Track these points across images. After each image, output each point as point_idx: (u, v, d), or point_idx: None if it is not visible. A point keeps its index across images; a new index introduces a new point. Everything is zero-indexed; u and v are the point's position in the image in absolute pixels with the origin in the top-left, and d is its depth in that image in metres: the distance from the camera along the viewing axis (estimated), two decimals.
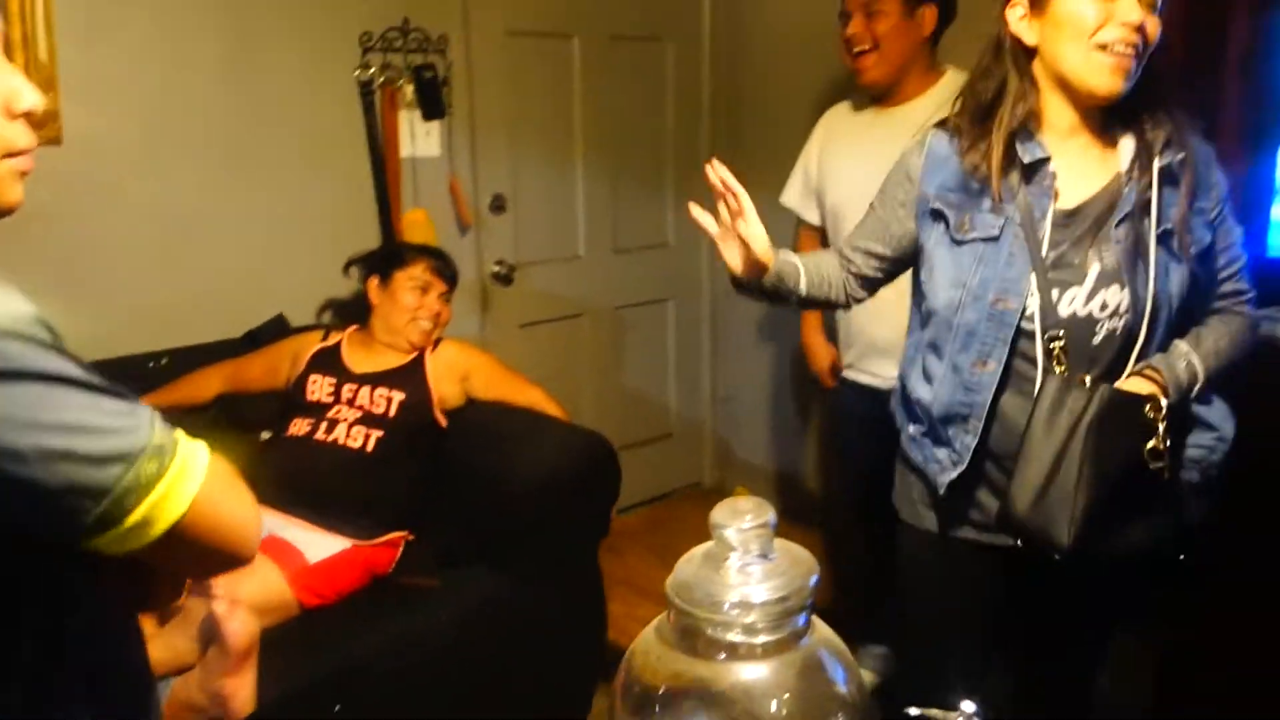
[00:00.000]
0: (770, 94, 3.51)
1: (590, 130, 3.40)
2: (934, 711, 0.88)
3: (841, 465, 2.64)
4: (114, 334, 2.35)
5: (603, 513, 2.38)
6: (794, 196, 2.53)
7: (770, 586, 1.02)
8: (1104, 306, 1.48)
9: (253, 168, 2.70)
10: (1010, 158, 1.48)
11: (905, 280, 2.11)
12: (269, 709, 1.80)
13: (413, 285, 2.43)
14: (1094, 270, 1.47)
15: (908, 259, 1.65)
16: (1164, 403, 1.44)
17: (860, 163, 2.18)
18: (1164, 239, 1.47)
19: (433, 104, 2.91)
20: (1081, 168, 1.51)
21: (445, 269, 2.50)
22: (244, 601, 1.79)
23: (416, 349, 2.42)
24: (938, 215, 1.55)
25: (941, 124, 1.59)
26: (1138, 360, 1.50)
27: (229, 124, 2.64)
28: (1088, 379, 1.46)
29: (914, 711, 0.91)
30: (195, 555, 0.82)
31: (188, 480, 0.79)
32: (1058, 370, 1.47)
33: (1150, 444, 1.44)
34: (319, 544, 2.10)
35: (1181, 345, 1.52)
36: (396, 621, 2.07)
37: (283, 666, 1.85)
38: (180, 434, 0.81)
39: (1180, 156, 1.47)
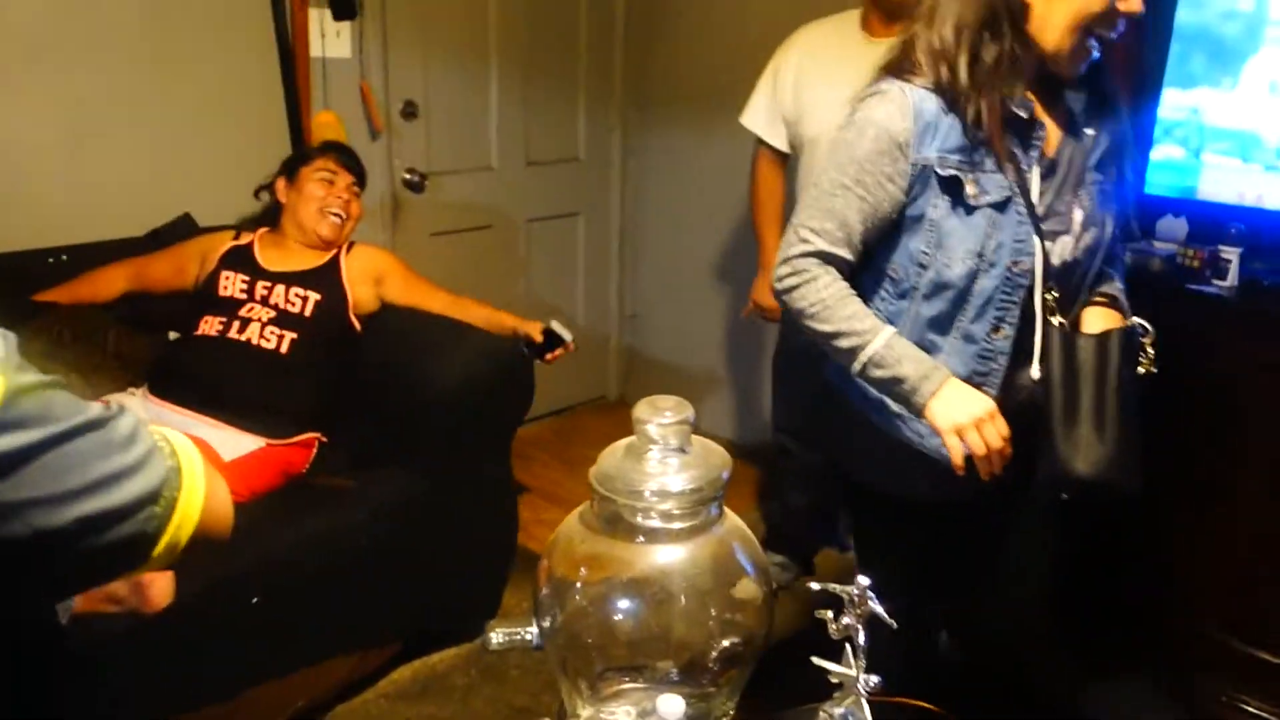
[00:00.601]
0: (686, 8, 3.52)
1: (505, 40, 3.37)
2: (832, 585, 0.98)
3: (776, 393, 2.66)
4: (12, 228, 2.29)
5: (515, 418, 2.44)
6: (759, 120, 2.40)
7: (687, 477, 1.11)
8: (1086, 249, 1.52)
9: (160, 61, 2.62)
10: (1006, 113, 1.43)
11: None
12: (187, 601, 1.83)
13: (319, 177, 2.42)
14: (1079, 216, 1.50)
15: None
16: (1148, 328, 1.53)
17: (845, 94, 2.19)
18: (1099, 168, 1.53)
19: (343, 4, 2.84)
20: (1047, 116, 1.50)
21: (351, 161, 2.49)
22: None
23: (327, 243, 2.41)
24: (951, 182, 1.45)
25: (899, 78, 1.47)
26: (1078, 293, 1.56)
27: (135, 15, 2.55)
28: (1064, 322, 1.51)
29: (815, 585, 1.02)
30: (209, 534, 0.81)
31: (196, 491, 0.77)
32: (1055, 321, 1.49)
33: (1142, 370, 1.53)
34: (232, 443, 2.12)
35: (1110, 273, 1.61)
36: (312, 520, 2.11)
37: (198, 561, 1.88)
38: (166, 437, 0.78)
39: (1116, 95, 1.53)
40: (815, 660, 1.03)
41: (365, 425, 2.37)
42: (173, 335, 2.42)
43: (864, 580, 0.96)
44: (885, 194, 1.46)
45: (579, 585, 1.16)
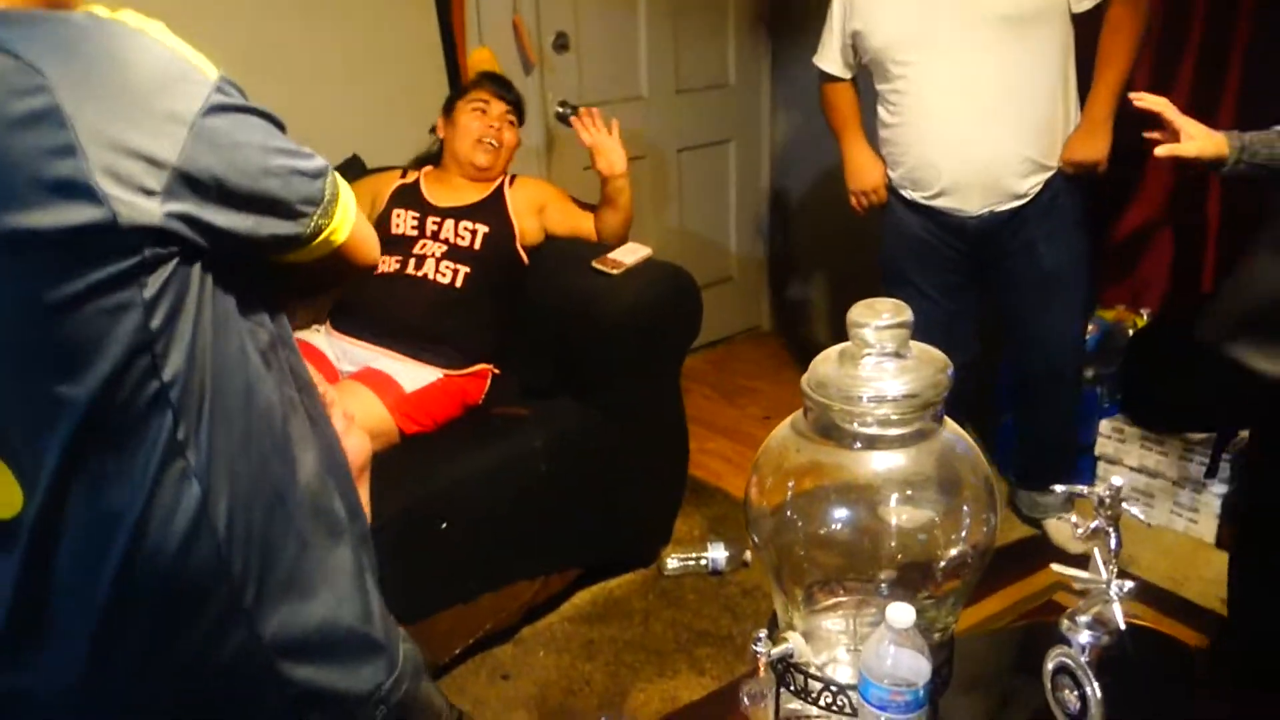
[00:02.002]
0: None
1: None
2: (1077, 487, 0.92)
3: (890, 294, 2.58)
4: None
5: (683, 346, 2.43)
6: (827, 55, 2.44)
7: (905, 381, 1.06)
8: None
9: (318, 8, 2.66)
10: None
11: (957, 92, 2.12)
12: (383, 527, 1.90)
13: (472, 108, 2.43)
14: None
15: None
16: None
17: (914, 10, 2.19)
18: None
19: None
20: None
21: (504, 90, 2.48)
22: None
23: (483, 171, 2.42)
24: None
25: None
26: None
27: None
28: None
29: (1059, 489, 0.96)
30: (351, 262, 0.96)
31: (349, 195, 0.93)
32: None
33: None
34: (414, 374, 2.17)
35: None
36: (492, 448, 2.15)
37: (391, 489, 1.95)
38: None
39: None
40: (1056, 568, 0.98)
41: (534, 355, 2.39)
42: None
43: (1117, 480, 0.90)
44: None
45: (790, 494, 1.14)
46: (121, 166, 0.73)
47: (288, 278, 0.95)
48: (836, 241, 3.72)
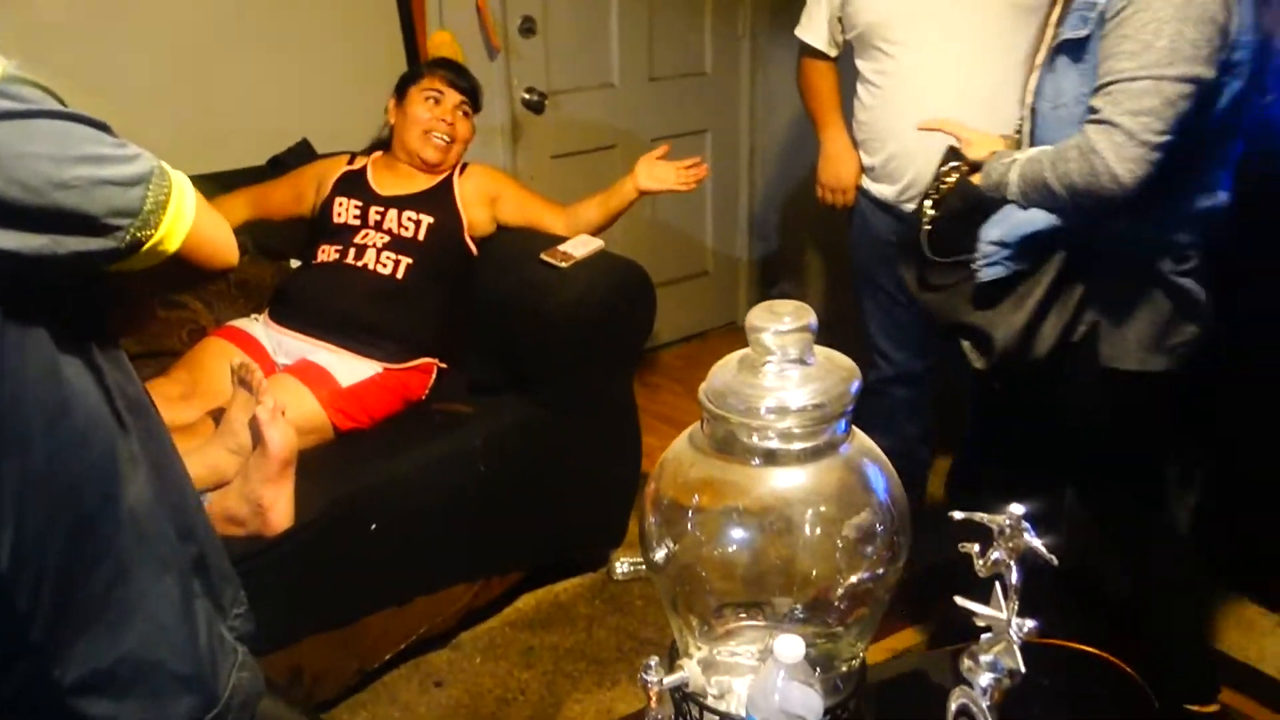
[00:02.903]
0: None
1: None
2: (978, 515, 0.84)
3: (863, 303, 2.46)
4: None
5: (636, 342, 2.34)
6: (813, 28, 2.28)
7: (809, 391, 0.97)
8: (1025, 103, 1.62)
9: None
10: None
11: (949, 78, 1.99)
12: (306, 526, 1.82)
13: (425, 96, 2.32)
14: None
15: None
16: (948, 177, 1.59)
17: None
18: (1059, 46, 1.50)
19: None
20: None
21: (459, 80, 2.36)
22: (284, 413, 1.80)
23: (431, 166, 2.32)
24: None
25: None
26: None
27: None
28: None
29: (958, 515, 0.88)
30: (195, 269, 0.89)
31: (187, 199, 0.85)
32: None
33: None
34: (351, 368, 2.09)
35: (1023, 150, 1.54)
36: (431, 445, 2.07)
37: (319, 487, 1.87)
38: (165, 166, 0.86)
39: None
40: (959, 600, 0.89)
41: (484, 350, 2.30)
42: (294, 263, 2.40)
43: (1018, 509, 0.81)
44: None
45: (690, 513, 1.05)
46: None
47: (116, 289, 0.88)
48: (819, 237, 3.63)
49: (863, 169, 2.26)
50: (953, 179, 1.60)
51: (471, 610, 2.17)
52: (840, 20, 2.21)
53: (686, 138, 3.58)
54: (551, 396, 2.19)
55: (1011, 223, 1.53)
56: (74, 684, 0.84)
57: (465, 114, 2.35)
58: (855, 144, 2.27)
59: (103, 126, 0.81)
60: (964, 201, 1.57)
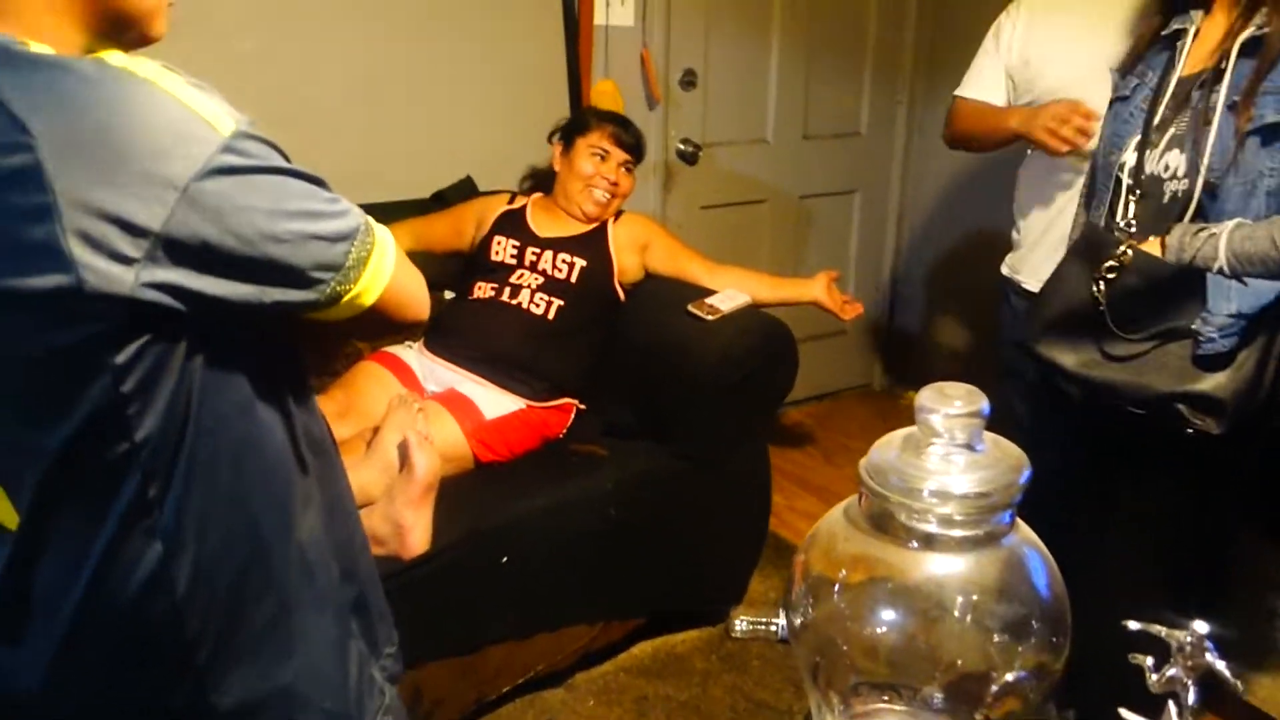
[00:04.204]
0: None
1: (789, 8, 3.24)
2: (1156, 628, 0.80)
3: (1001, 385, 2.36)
4: None
5: (775, 400, 2.34)
6: (984, 87, 2.19)
7: (974, 479, 0.95)
8: (1167, 168, 1.58)
9: (447, 28, 2.69)
10: (1163, 27, 1.63)
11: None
12: (441, 552, 1.87)
13: (591, 152, 2.39)
14: (1170, 132, 1.58)
15: None
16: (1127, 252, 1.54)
17: (1086, 42, 1.98)
18: (1232, 110, 1.50)
19: None
20: (1207, 37, 1.57)
21: (627, 137, 2.43)
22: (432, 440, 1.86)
23: (590, 219, 2.39)
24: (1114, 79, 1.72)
25: None
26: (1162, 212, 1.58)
27: None
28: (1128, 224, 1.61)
29: (1134, 625, 0.84)
30: (388, 320, 0.92)
31: (387, 256, 0.88)
32: (1121, 222, 1.61)
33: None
34: (496, 402, 2.15)
35: (1222, 223, 1.50)
36: (565, 485, 2.10)
37: (457, 515, 1.92)
38: (370, 220, 0.89)
39: (1266, 29, 1.48)
40: (1124, 713, 0.85)
41: (622, 395, 2.34)
42: (448, 295, 2.49)
43: (1202, 627, 0.78)
44: None
45: (838, 586, 1.04)
46: (97, 231, 0.71)
47: (311, 335, 0.93)
48: (961, 307, 3.57)
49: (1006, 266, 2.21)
50: (1126, 254, 1.56)
51: (589, 652, 2.18)
52: (1013, 80, 2.15)
53: (836, 197, 3.59)
54: (686, 447, 2.20)
55: (1248, 295, 1.51)
56: (229, 710, 0.87)
57: (628, 170, 2.41)
58: (1016, 217, 2.22)
59: (318, 182, 0.85)
60: (1145, 278, 1.54)
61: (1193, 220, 1.55)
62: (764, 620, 2.55)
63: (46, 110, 0.70)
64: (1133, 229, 1.61)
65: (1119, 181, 1.64)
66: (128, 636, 0.85)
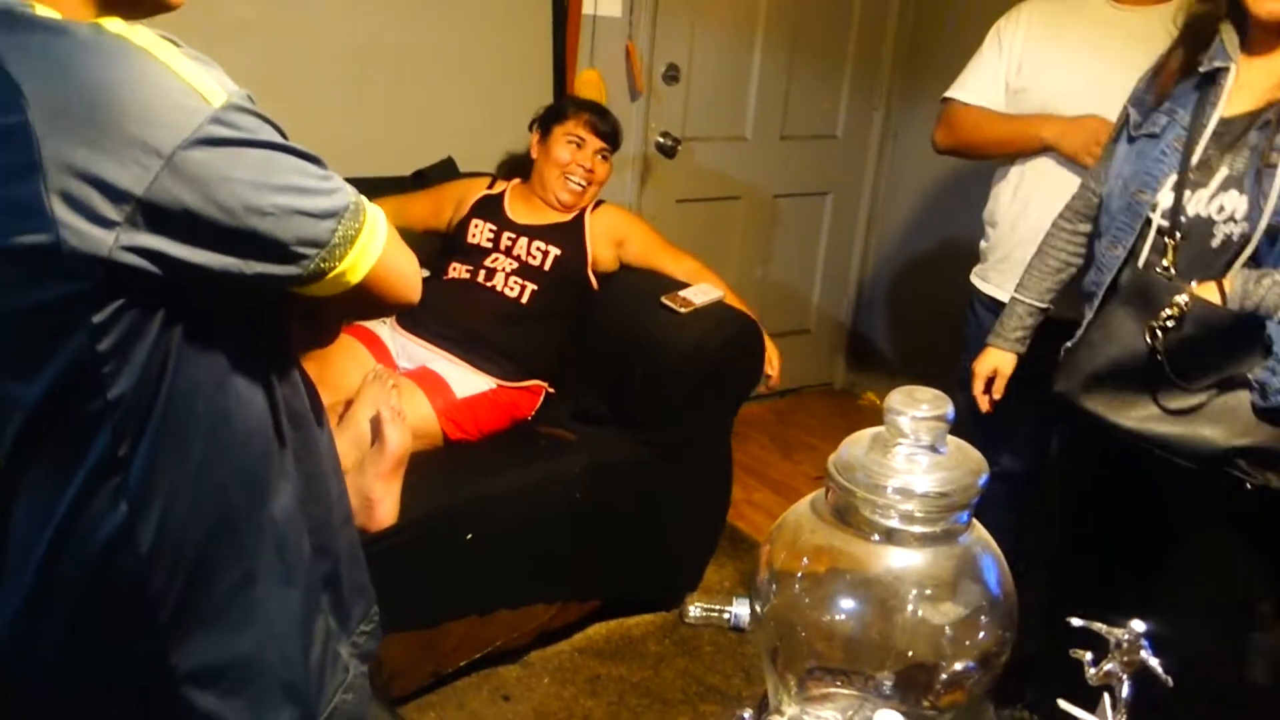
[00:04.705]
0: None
1: (774, 9, 3.29)
2: (1097, 625, 0.86)
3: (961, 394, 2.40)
4: None
5: (741, 394, 2.39)
6: (983, 91, 2.19)
7: (936, 479, 1.01)
8: (1221, 210, 1.52)
9: (437, 10, 2.70)
10: (1192, 64, 1.58)
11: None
12: (408, 526, 1.90)
13: (568, 139, 2.41)
14: (1222, 174, 1.52)
15: None
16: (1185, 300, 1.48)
17: (1086, 60, 2.03)
18: None
19: None
20: (1249, 79, 1.54)
21: (603, 125, 2.44)
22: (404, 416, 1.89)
23: (566, 208, 2.42)
24: (1127, 114, 1.69)
25: None
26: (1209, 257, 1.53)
27: None
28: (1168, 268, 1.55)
29: (1076, 622, 0.90)
30: (376, 299, 0.93)
31: (377, 236, 0.89)
32: (1163, 263, 1.55)
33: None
34: (467, 380, 2.18)
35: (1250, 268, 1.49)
36: (533, 467, 2.14)
37: (424, 491, 1.95)
38: (362, 199, 0.90)
39: None
40: (1063, 705, 0.91)
41: (591, 381, 2.37)
42: (424, 272, 2.50)
43: (1139, 626, 0.84)
44: None
45: (801, 575, 1.09)
46: (79, 193, 0.72)
47: (302, 310, 0.93)
48: (923, 313, 3.65)
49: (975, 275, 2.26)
50: (1184, 302, 1.49)
51: (546, 631, 2.23)
52: (1007, 85, 2.16)
53: (809, 197, 3.64)
54: (653, 436, 2.25)
55: None
56: (186, 673, 0.89)
57: (604, 158, 2.44)
58: (986, 226, 2.25)
59: (312, 159, 0.85)
60: (1204, 326, 1.49)
61: (1246, 265, 1.51)
62: (717, 608, 2.60)
63: (40, 72, 0.72)
64: (1172, 274, 1.55)
65: (1148, 222, 1.58)
66: (91, 593, 0.87)
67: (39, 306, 0.77)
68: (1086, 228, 1.81)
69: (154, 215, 0.74)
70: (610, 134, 2.46)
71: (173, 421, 0.84)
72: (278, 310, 0.94)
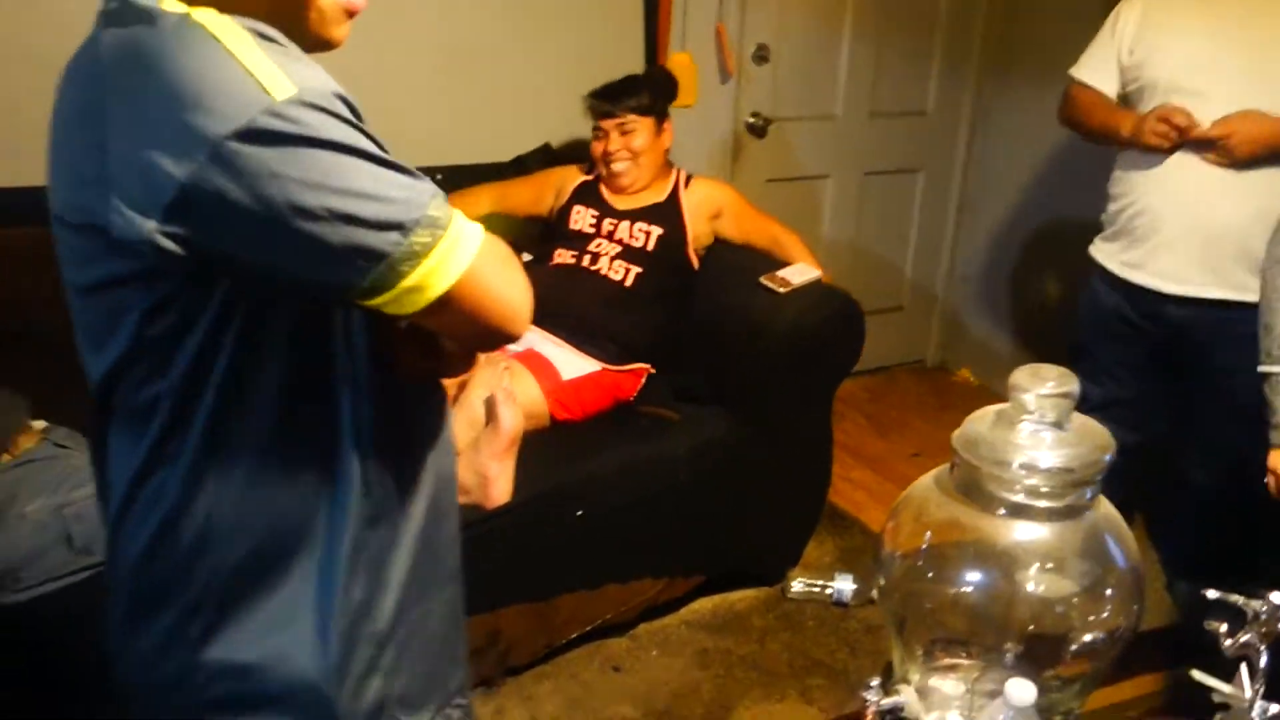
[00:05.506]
0: None
1: None
2: (1235, 596, 0.88)
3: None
4: (402, 145, 2.51)
5: (841, 373, 2.41)
6: (1096, 70, 2.21)
7: (1060, 455, 1.03)
8: None
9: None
10: None
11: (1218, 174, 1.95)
12: (521, 504, 1.97)
13: (595, 137, 2.47)
14: None
15: None
16: None
17: (1202, 37, 2.00)
18: None
19: None
20: None
21: (608, 106, 2.44)
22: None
23: (630, 186, 2.45)
24: None
25: None
26: None
27: None
28: None
29: (1213, 593, 0.92)
30: (465, 324, 0.86)
31: (458, 254, 0.81)
32: None
33: None
34: (573, 363, 2.24)
35: None
36: (637, 446, 2.20)
37: (536, 470, 2.02)
38: (458, 213, 0.84)
39: None
40: (1196, 674, 0.93)
41: (692, 361, 2.42)
42: (525, 257, 2.58)
43: (1278, 597, 0.85)
44: None
45: (926, 548, 1.12)
46: (128, 177, 0.74)
47: (399, 331, 0.89)
48: (1016, 288, 3.61)
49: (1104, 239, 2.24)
50: None
51: (653, 605, 2.29)
52: (1122, 67, 2.15)
53: (900, 175, 3.62)
54: (755, 415, 2.29)
55: None
56: (209, 701, 0.89)
57: (626, 131, 2.43)
58: (1108, 203, 2.22)
59: (393, 165, 0.79)
60: None
61: None
62: (819, 583, 2.65)
63: (122, 56, 0.76)
64: None
65: None
66: (140, 589, 0.88)
67: (98, 283, 0.80)
68: None
69: (191, 203, 0.73)
70: (616, 104, 2.43)
71: (229, 418, 0.83)
72: (356, 326, 0.88)
